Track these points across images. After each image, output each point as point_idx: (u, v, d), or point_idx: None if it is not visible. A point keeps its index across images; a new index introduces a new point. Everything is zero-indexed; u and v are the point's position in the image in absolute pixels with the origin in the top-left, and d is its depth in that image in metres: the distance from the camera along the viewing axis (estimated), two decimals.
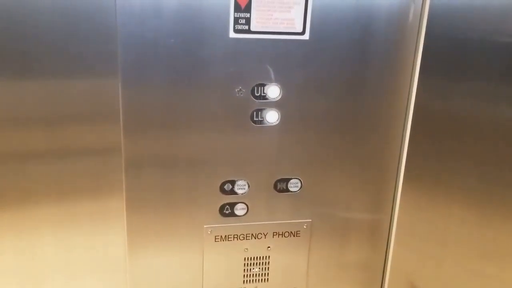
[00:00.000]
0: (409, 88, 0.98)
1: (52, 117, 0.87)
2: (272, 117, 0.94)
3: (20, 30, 0.81)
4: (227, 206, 1.00)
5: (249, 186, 0.99)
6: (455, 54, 0.94)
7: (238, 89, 0.92)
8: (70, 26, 0.82)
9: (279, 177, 1.00)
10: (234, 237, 1.03)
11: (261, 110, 0.94)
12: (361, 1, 0.90)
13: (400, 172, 1.03)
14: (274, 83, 0.93)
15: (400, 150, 1.02)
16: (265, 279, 1.08)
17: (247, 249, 1.04)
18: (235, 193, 0.99)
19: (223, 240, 1.02)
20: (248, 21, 0.88)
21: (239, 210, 1.01)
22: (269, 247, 1.05)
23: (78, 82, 0.86)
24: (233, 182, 0.98)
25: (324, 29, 0.90)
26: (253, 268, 1.06)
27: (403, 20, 0.93)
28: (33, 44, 0.82)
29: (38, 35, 0.82)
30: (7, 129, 0.86)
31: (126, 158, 0.92)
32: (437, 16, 0.91)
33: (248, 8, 0.87)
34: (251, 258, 1.05)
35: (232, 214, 1.01)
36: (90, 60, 0.85)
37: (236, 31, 0.88)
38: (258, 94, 0.93)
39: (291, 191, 1.01)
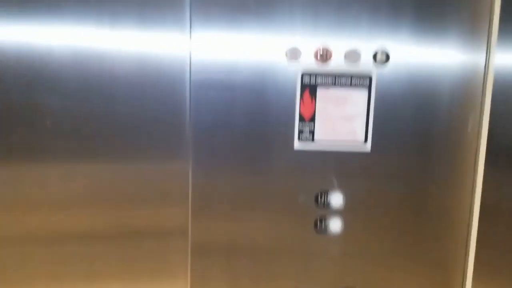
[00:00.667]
0: (472, 193, 0.97)
1: (120, 199, 0.90)
2: (335, 225, 0.94)
3: (97, 114, 0.86)
4: None
5: None
6: None
7: (302, 197, 0.93)
8: (144, 109, 0.87)
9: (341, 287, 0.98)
10: None
11: (324, 217, 0.94)
12: (421, 112, 0.92)
13: (466, 279, 0.99)
14: (337, 191, 0.93)
15: (465, 257, 0.99)
16: None
17: None
18: None
19: None
20: (311, 132, 0.90)
21: None
22: None
23: (148, 165, 0.89)
24: None
25: (385, 139, 0.92)
26: None
27: (461, 131, 0.94)
28: (106, 128, 0.87)
29: (113, 120, 0.87)
30: (74, 210, 0.89)
31: (192, 241, 0.93)
32: (497, 126, 0.92)
33: (312, 120, 0.90)
34: None
35: None
36: (162, 144, 0.89)
37: (301, 141, 0.90)
38: (321, 202, 0.93)
39: None
